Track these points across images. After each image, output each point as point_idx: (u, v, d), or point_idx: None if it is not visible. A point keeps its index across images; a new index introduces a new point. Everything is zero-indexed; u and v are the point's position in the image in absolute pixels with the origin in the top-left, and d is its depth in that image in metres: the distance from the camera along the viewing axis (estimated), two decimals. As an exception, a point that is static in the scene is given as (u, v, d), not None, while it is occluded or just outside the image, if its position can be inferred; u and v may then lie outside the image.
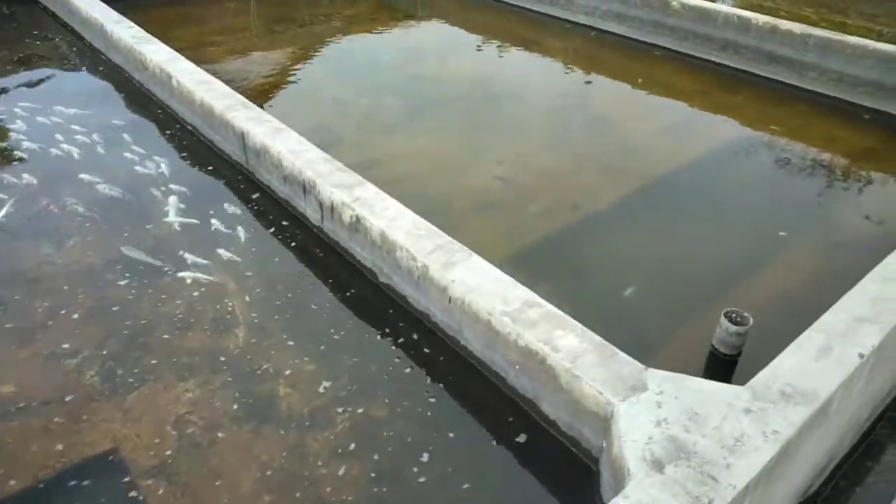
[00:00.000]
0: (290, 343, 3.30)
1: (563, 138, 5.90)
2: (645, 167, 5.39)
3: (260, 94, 6.49)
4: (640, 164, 5.43)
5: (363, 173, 4.12)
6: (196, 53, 7.40)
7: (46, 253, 3.87)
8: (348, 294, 3.64)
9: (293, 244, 4.02)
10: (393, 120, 6.07)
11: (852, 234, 4.67)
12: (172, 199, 4.32)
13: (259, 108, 4.56)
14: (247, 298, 3.61)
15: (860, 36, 6.60)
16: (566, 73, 7.51)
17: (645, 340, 3.64)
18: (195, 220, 4.17)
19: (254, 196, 4.44)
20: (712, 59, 7.38)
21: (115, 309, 3.47)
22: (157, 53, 5.46)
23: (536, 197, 4.93)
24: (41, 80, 6.32)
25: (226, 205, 4.35)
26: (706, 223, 4.75)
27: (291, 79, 6.98)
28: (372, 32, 8.56)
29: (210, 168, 4.78)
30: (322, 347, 3.29)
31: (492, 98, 6.63)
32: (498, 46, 8.32)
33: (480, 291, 2.92)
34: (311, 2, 9.66)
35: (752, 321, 3.32)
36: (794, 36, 6.65)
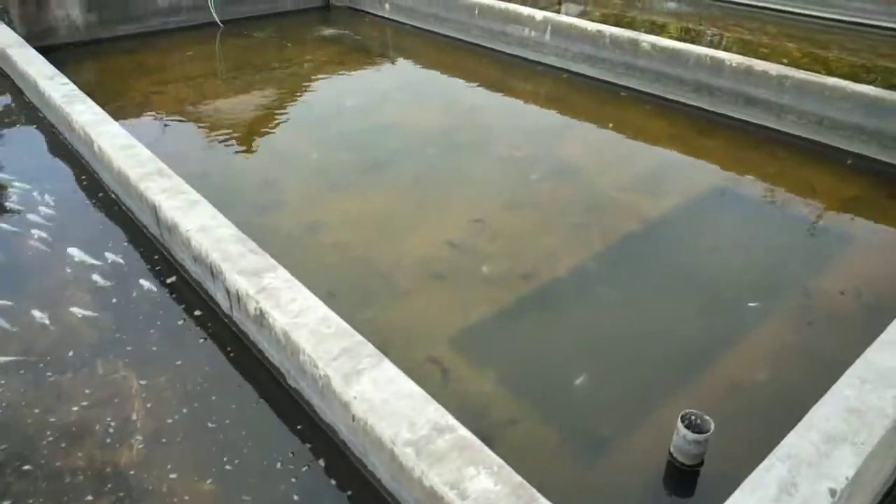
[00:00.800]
0: (188, 462, 2.86)
1: (526, 193, 5.48)
2: (610, 226, 4.97)
3: (203, 149, 6.12)
4: (604, 223, 5.02)
5: (303, 238, 3.73)
6: (146, 103, 7.09)
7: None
8: (257, 400, 3.21)
9: (203, 338, 3.59)
10: (344, 176, 5.67)
11: (831, 309, 4.21)
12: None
13: (178, 178, 4.16)
14: (148, 405, 3.17)
15: (846, 72, 6.26)
16: (535, 118, 7.14)
17: (595, 443, 3.19)
18: (94, 313, 3.75)
19: (168, 279, 4.02)
20: (685, 101, 7.03)
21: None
22: (83, 114, 5.09)
23: (489, 264, 4.51)
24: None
25: (138, 287, 3.94)
26: (671, 293, 4.31)
27: (240, 131, 6.60)
28: (338, 76, 8.23)
29: (127, 243, 4.39)
30: (226, 468, 2.85)
31: (455, 149, 6.24)
32: (468, 90, 7.99)
33: (384, 411, 2.47)
34: (278, 46, 9.36)
35: (712, 426, 2.87)
36: (769, 77, 6.30)
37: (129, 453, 2.92)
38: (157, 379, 3.30)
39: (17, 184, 5.10)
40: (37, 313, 3.71)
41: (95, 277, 4.01)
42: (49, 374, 3.32)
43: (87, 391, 3.23)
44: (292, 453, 2.92)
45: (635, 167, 5.96)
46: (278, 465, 2.86)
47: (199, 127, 6.64)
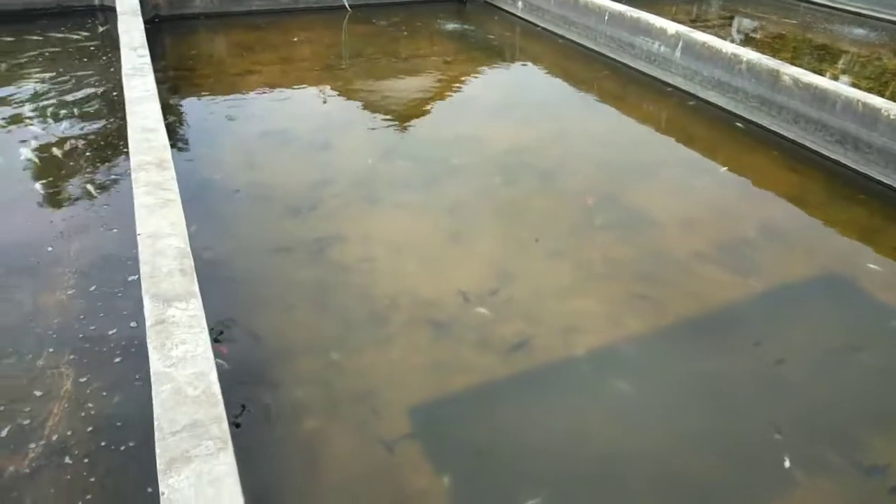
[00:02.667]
0: None
1: (576, 242, 4.65)
2: (666, 304, 4.03)
3: (266, 135, 5.91)
4: (660, 298, 4.08)
5: (317, 253, 3.49)
6: (242, 79, 7.09)
7: None
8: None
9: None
10: (388, 189, 5.18)
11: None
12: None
13: (171, 173, 3.89)
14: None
15: None
16: (633, 146, 6.16)
17: None
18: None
19: (129, 278, 3.79)
20: (825, 152, 5.71)
21: None
22: (134, 89, 5.03)
23: (498, 324, 3.80)
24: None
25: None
26: (711, 420, 3.35)
27: (312, 122, 6.33)
28: (437, 74, 7.74)
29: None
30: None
31: (522, 174, 5.48)
32: (572, 104, 7.17)
33: (179, 525, 1.96)
34: (394, 37, 9.06)
35: None
36: (937, 139, 4.89)
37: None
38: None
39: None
40: None
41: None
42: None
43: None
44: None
45: (732, 230, 4.86)
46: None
47: (273, 112, 6.47)
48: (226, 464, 2.14)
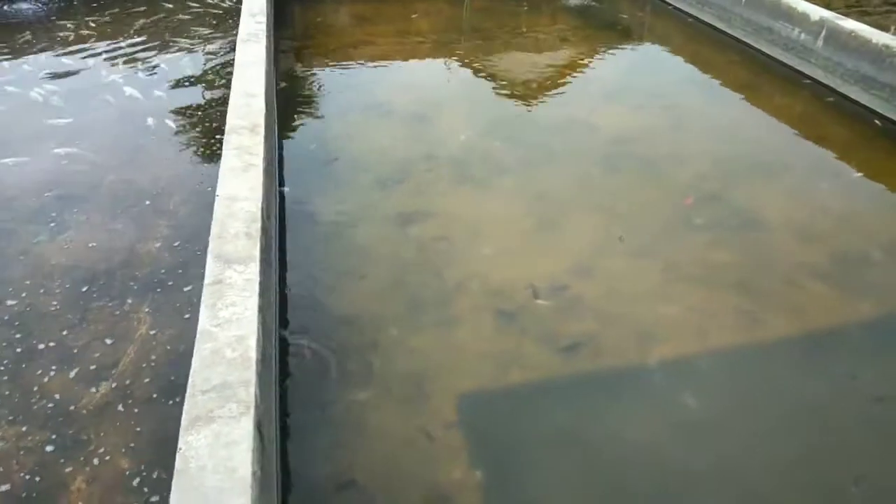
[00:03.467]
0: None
1: (671, 242, 4.31)
2: (754, 317, 3.68)
3: (369, 106, 5.96)
4: (750, 310, 3.72)
5: (397, 227, 3.80)
6: (353, 51, 7.22)
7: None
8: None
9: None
10: (478, 169, 5.07)
11: None
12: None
13: (260, 137, 3.99)
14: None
15: None
16: (753, 144, 5.62)
17: None
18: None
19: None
20: None
21: None
22: (245, 54, 5.22)
23: (571, 322, 3.62)
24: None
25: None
26: (775, 438, 3.02)
27: (417, 94, 6.31)
28: (550, 53, 7.46)
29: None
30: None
31: (623, 163, 5.16)
32: (693, 92, 6.67)
33: (187, 483, 2.00)
34: (514, 12, 8.84)
35: None
36: None
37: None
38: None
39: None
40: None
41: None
42: (53, 301, 3.45)
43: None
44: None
45: (853, 244, 4.32)
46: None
47: (358, 88, 6.52)
48: (244, 428, 2.16)
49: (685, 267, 4.06)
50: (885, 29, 8.30)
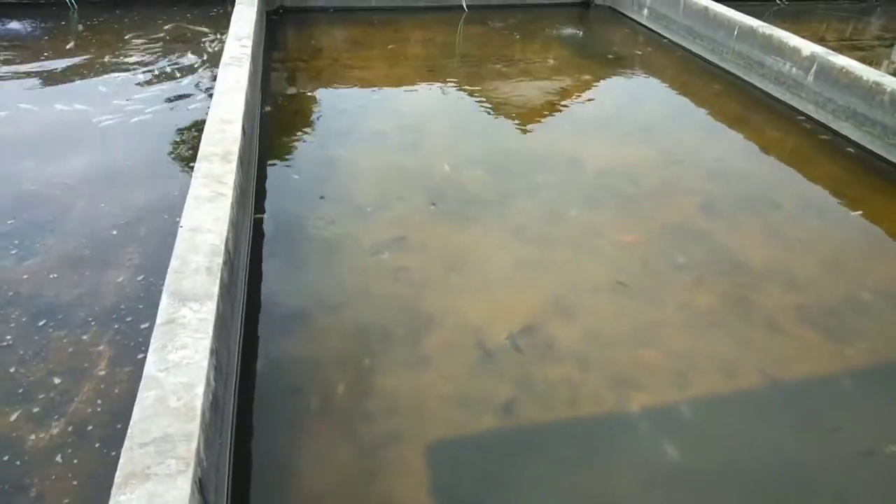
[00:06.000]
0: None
1: (654, 283, 4.15)
2: (736, 364, 3.54)
3: (355, 131, 5.86)
4: (731, 357, 3.59)
5: (372, 258, 3.96)
6: (346, 74, 7.16)
7: None
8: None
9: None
10: (458, 200, 4.94)
11: None
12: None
13: (233, 165, 3.88)
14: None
15: None
16: (745, 178, 5.52)
17: None
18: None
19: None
20: (978, 205, 4.84)
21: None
22: (224, 80, 5.13)
23: (544, 367, 3.48)
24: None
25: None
26: (755, 491, 2.87)
27: (405, 121, 6.22)
28: (538, 83, 7.39)
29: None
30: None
31: (609, 199, 5.03)
32: (677, 126, 6.58)
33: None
34: (507, 40, 8.81)
35: None
36: None
37: None
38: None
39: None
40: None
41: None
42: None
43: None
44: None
45: (841, 287, 4.19)
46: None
47: (347, 112, 6.43)
48: (181, 489, 2.02)
49: (667, 310, 3.94)
50: (877, 64, 8.31)
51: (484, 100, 6.87)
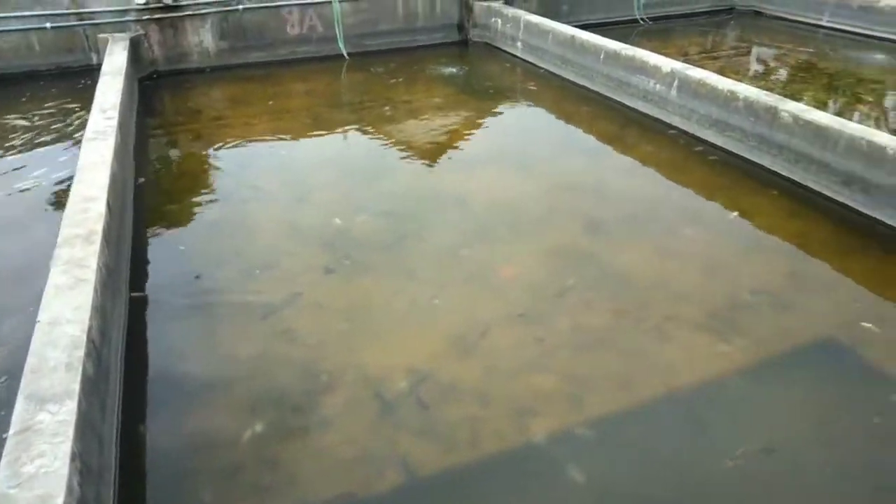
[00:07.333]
0: None
1: (546, 309, 4.20)
2: (628, 379, 3.62)
3: (239, 190, 5.69)
4: (624, 372, 3.67)
5: (262, 321, 3.70)
6: (227, 132, 6.97)
7: None
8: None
9: None
10: (348, 250, 4.86)
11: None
12: None
13: (97, 247, 3.67)
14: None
15: None
16: (626, 196, 5.73)
17: None
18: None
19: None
20: (831, 195, 5.22)
21: None
22: (86, 155, 4.89)
23: (445, 409, 3.43)
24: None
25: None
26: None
27: (289, 175, 6.10)
28: (422, 121, 7.47)
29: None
30: None
31: (498, 231, 5.11)
32: (569, 147, 6.79)
33: None
34: (389, 84, 8.89)
35: None
36: (950, 180, 4.37)
37: None
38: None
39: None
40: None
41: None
42: None
43: None
44: None
45: (723, 289, 4.37)
46: None
47: (230, 172, 6.29)
48: None
49: (560, 335, 3.98)
50: (740, 71, 8.93)
51: (371, 146, 6.89)
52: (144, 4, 8.58)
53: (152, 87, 8.75)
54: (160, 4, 8.68)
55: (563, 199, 5.68)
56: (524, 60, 9.37)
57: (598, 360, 3.76)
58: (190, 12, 8.96)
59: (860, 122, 6.97)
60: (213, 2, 9.03)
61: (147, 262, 4.82)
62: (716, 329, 3.96)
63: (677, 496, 3.00)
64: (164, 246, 5.05)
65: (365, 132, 7.18)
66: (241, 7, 9.11)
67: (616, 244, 4.91)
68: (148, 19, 8.77)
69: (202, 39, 9.20)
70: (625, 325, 4.03)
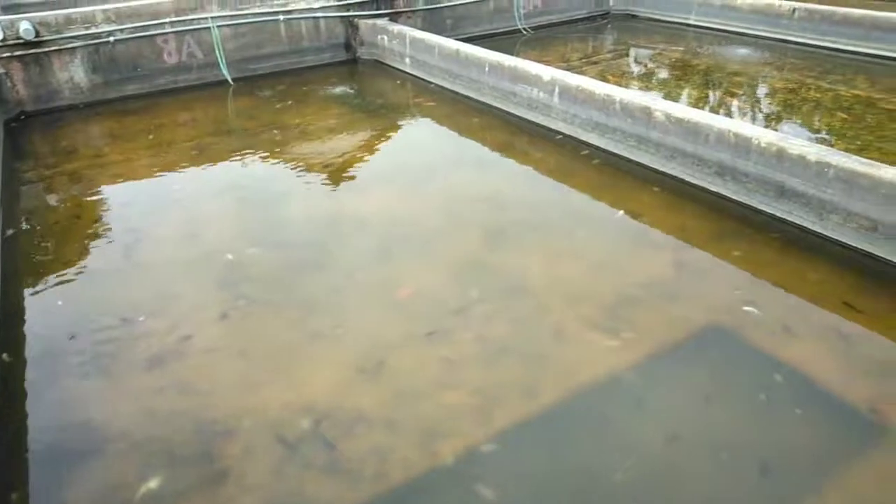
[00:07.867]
0: None
1: (450, 324, 4.20)
2: (532, 387, 3.66)
3: (122, 233, 5.39)
4: (528, 380, 3.70)
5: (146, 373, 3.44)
6: (104, 172, 6.58)
7: None
8: None
9: None
10: (241, 287, 4.69)
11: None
12: None
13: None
14: None
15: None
16: (519, 202, 5.85)
17: None
18: None
19: None
20: (707, 186, 5.52)
21: None
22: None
23: (351, 442, 3.34)
24: None
25: None
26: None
27: (175, 214, 5.84)
28: (316, 143, 7.36)
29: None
30: None
31: (397, 250, 5.07)
32: (462, 159, 6.86)
33: None
34: (278, 108, 8.69)
35: None
36: (806, 164, 4.71)
37: None
38: None
39: None
40: None
41: None
42: None
43: None
44: None
45: (615, 285, 4.53)
46: None
47: (108, 214, 5.98)
48: None
49: (465, 348, 4.00)
50: (622, 73, 9.32)
51: (264, 173, 6.70)
52: (2, 41, 8.01)
53: (20, 130, 8.19)
54: (20, 41, 8.13)
55: (461, 211, 5.72)
56: (414, 76, 9.42)
57: (503, 371, 3.79)
58: (56, 47, 8.45)
59: (737, 112, 7.46)
60: (81, 35, 8.56)
61: (21, 321, 4.48)
62: (609, 326, 4.09)
63: (586, 499, 3.05)
64: (39, 302, 4.70)
65: (254, 159, 6.99)
66: (111, 39, 8.67)
67: (513, 252, 4.99)
68: (8, 57, 8.20)
69: (72, 75, 8.68)
70: (526, 332, 4.09)
